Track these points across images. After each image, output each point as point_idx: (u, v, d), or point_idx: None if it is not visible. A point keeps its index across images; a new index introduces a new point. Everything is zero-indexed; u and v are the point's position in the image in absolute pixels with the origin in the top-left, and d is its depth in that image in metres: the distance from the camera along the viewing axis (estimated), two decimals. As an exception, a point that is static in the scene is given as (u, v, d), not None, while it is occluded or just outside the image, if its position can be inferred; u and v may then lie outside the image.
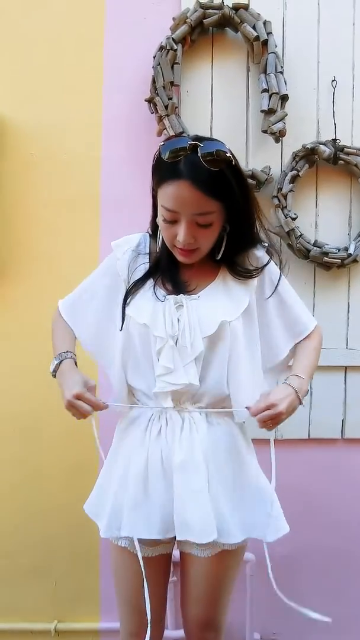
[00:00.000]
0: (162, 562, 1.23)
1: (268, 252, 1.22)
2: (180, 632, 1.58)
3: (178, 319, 1.12)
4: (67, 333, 1.28)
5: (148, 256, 1.21)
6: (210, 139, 1.08)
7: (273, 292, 1.22)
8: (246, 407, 1.13)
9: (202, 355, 1.13)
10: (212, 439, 1.15)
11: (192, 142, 1.03)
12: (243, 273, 1.18)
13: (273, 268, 1.22)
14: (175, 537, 1.14)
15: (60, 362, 1.20)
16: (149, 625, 1.10)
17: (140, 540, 1.13)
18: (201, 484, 1.11)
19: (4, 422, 1.79)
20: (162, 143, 1.07)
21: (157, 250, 1.18)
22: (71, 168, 1.75)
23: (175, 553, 1.27)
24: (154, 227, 1.20)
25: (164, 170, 1.05)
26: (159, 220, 1.11)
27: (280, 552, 1.80)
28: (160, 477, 1.13)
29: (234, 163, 1.06)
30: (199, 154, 1.02)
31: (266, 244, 1.21)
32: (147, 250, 1.22)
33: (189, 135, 1.28)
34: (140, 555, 1.12)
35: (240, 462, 1.18)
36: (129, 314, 1.16)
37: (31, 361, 1.74)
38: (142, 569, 1.12)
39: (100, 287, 1.25)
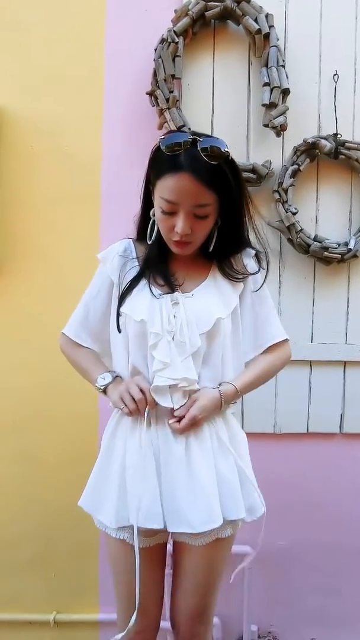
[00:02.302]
0: (158, 551, 1.25)
1: (257, 257, 1.25)
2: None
3: (174, 316, 1.15)
4: (92, 355, 1.30)
5: (136, 260, 1.24)
6: (209, 136, 1.14)
7: (252, 300, 1.26)
8: (177, 421, 1.15)
9: (201, 352, 1.16)
10: (198, 431, 1.17)
11: (192, 137, 1.09)
12: (230, 274, 1.22)
13: (258, 277, 1.26)
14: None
15: (114, 378, 1.22)
16: (135, 613, 1.14)
17: (138, 531, 1.14)
18: (193, 474, 1.13)
19: (3, 415, 1.79)
20: (162, 137, 1.11)
21: (149, 242, 1.21)
22: (71, 161, 1.75)
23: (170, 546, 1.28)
24: (144, 222, 1.23)
25: (164, 163, 1.10)
26: (156, 212, 1.15)
27: (278, 546, 1.82)
28: (154, 468, 1.15)
29: (230, 159, 1.11)
30: (198, 148, 1.07)
31: (254, 250, 1.25)
32: (134, 256, 1.25)
33: (189, 129, 1.30)
34: (137, 546, 1.13)
35: (228, 450, 1.20)
36: (125, 312, 1.18)
37: (30, 355, 1.75)
38: (137, 560, 1.13)
39: (103, 301, 1.27)
